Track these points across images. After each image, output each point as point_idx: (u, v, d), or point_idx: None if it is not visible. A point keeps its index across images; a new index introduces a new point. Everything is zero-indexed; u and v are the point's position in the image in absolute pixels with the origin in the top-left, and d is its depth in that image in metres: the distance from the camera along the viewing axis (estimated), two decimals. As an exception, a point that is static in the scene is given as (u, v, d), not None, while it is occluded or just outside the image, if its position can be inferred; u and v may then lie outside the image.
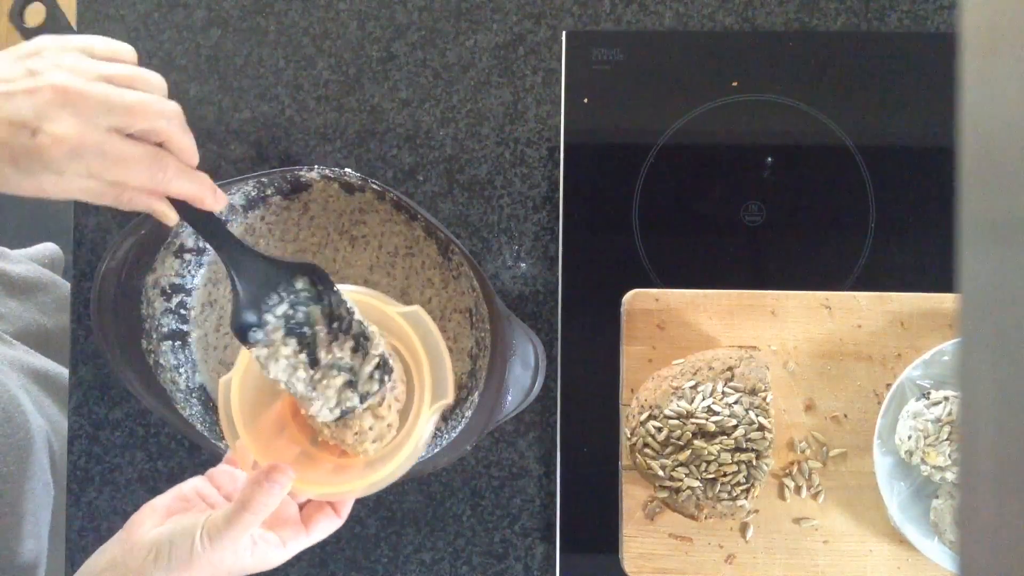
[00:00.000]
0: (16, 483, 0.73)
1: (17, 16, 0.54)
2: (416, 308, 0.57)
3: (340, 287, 0.56)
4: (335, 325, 0.55)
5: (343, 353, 0.56)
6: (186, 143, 0.51)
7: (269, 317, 0.55)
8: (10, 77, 0.47)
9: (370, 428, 0.58)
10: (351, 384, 0.56)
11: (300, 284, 0.55)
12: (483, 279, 0.63)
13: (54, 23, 0.54)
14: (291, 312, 0.55)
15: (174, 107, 0.50)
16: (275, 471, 0.54)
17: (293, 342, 0.55)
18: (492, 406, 0.62)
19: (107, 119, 0.47)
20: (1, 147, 0.47)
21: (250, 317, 0.54)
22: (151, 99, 0.49)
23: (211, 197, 0.52)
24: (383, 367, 0.56)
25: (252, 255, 0.54)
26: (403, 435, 0.58)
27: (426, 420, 0.56)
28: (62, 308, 0.91)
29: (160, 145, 0.50)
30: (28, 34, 0.52)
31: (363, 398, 0.56)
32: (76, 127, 0.46)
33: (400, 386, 0.58)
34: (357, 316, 0.56)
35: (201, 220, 0.53)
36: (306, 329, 0.55)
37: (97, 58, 0.49)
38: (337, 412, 0.56)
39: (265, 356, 0.55)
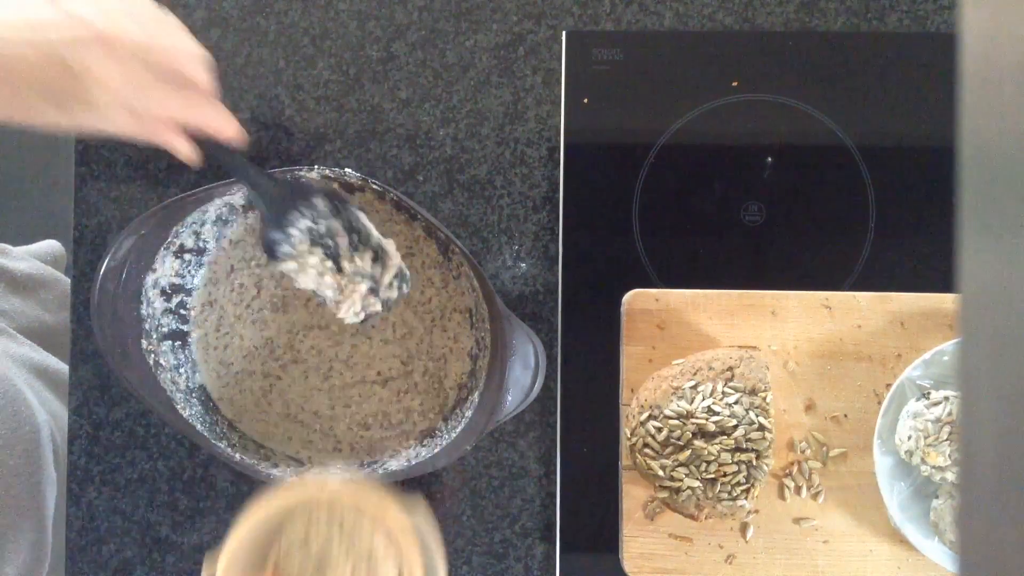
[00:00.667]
0: (24, 477, 0.73)
1: None
2: (417, 502, 0.58)
3: (340, 476, 0.62)
4: (355, 237, 0.60)
5: (364, 263, 0.61)
6: (210, 82, 0.55)
7: (294, 231, 0.59)
8: (36, 9, 0.48)
9: None
10: (374, 291, 0.60)
11: (318, 201, 0.60)
12: (483, 279, 0.63)
13: None
14: (313, 225, 0.60)
15: (201, 51, 0.54)
16: None
17: (319, 251, 0.60)
18: (492, 406, 0.62)
19: (144, 60, 0.50)
20: (42, 85, 0.48)
21: (276, 235, 0.59)
22: (182, 43, 0.52)
23: (233, 127, 0.56)
24: (401, 276, 0.61)
25: (272, 179, 0.59)
26: None
27: None
28: (64, 305, 0.92)
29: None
30: None
31: (385, 304, 0.60)
32: (119, 70, 0.48)
33: None
34: (374, 231, 0.60)
35: (221, 152, 0.58)
36: (329, 240, 0.60)
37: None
38: (362, 315, 0.61)
39: (295, 269, 0.60)
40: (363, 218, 0.60)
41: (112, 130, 0.52)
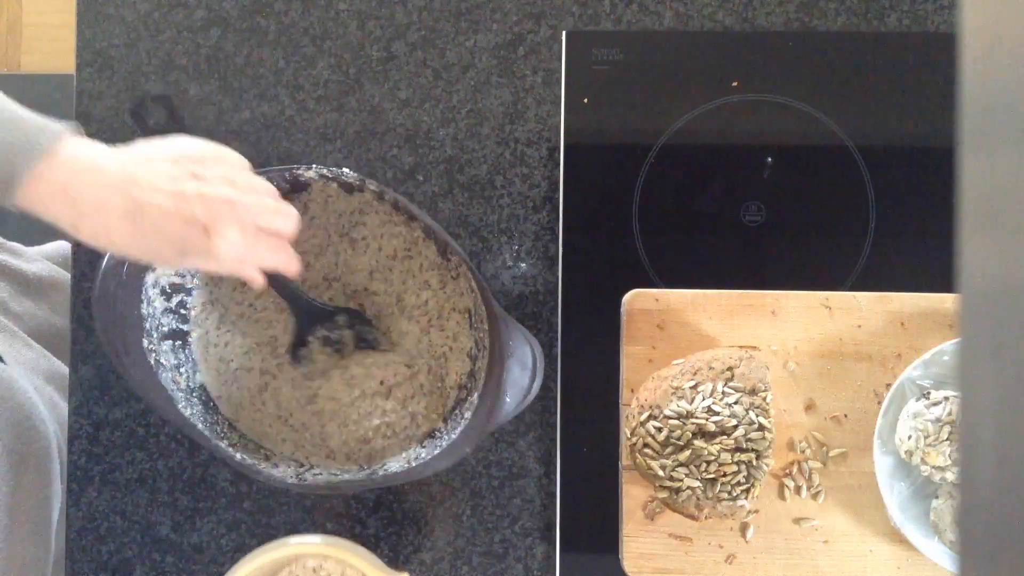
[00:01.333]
0: (32, 492, 0.73)
1: (137, 113, 0.64)
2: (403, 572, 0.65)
3: (333, 542, 0.66)
4: (362, 344, 0.71)
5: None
6: (294, 232, 0.62)
7: (312, 339, 0.70)
8: (177, 178, 0.56)
9: None
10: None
11: (339, 319, 0.70)
12: (480, 281, 0.63)
13: (173, 124, 0.63)
14: (327, 334, 0.70)
15: (292, 209, 0.61)
16: None
17: (327, 349, 0.70)
18: (490, 408, 0.62)
19: (256, 222, 0.58)
20: (176, 241, 0.56)
21: (298, 343, 0.70)
22: (282, 206, 0.60)
23: (296, 266, 0.62)
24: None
25: (313, 304, 0.69)
26: None
27: None
28: None
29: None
30: (147, 131, 0.61)
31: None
32: (241, 233, 0.56)
33: None
34: (383, 343, 0.70)
35: (283, 282, 0.66)
36: (338, 345, 0.70)
37: (228, 164, 0.59)
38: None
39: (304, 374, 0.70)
40: (376, 332, 0.71)
41: (218, 271, 0.63)
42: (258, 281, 0.61)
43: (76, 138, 0.56)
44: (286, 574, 0.66)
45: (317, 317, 0.69)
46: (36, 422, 0.75)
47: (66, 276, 0.95)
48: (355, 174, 0.65)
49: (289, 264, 0.62)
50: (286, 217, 0.61)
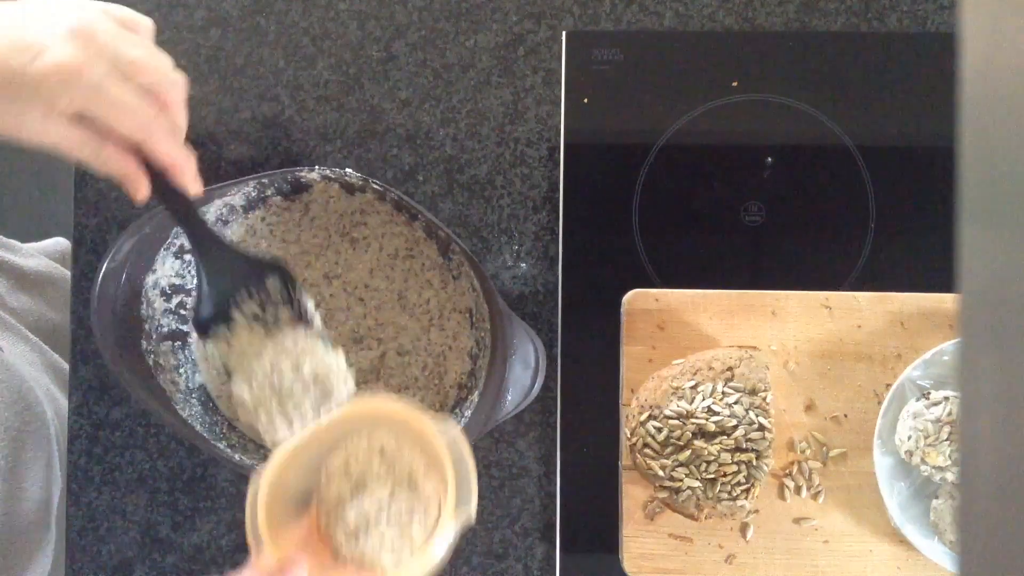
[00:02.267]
0: (32, 471, 0.73)
1: None
2: (448, 422, 0.57)
3: (375, 399, 0.57)
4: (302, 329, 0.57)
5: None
6: (182, 116, 0.50)
7: (237, 315, 0.55)
8: (32, 13, 0.46)
9: (392, 543, 0.57)
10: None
11: (271, 283, 0.56)
12: (484, 278, 0.63)
13: None
14: (259, 312, 0.56)
15: (181, 77, 0.50)
16: (290, 564, 0.52)
17: (255, 324, 0.55)
18: (492, 406, 0.62)
19: (114, 60, 0.46)
20: None
21: (211, 310, 0.54)
22: (163, 61, 0.49)
23: (190, 173, 0.50)
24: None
25: (224, 247, 0.53)
26: (422, 547, 0.57)
27: (448, 532, 0.55)
28: (69, 303, 0.92)
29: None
30: None
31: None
32: (80, 56, 0.45)
33: (433, 508, 0.57)
34: (319, 322, 0.56)
35: (174, 200, 0.51)
36: (265, 320, 0.56)
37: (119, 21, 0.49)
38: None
39: (225, 352, 0.55)
40: (311, 306, 0.56)
41: (57, 142, 0.47)
42: (134, 184, 0.49)
43: None
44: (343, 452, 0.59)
45: (236, 272, 0.55)
46: (32, 403, 0.75)
47: (62, 272, 0.95)
48: (358, 174, 0.65)
49: (181, 163, 0.50)
50: (168, 78, 0.48)
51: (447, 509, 0.55)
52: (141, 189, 0.50)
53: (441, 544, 0.55)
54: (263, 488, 0.56)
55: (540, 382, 0.66)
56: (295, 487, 0.56)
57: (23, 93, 0.45)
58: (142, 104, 0.48)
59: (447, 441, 0.56)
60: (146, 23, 0.51)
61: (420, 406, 0.59)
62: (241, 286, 0.54)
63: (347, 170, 0.66)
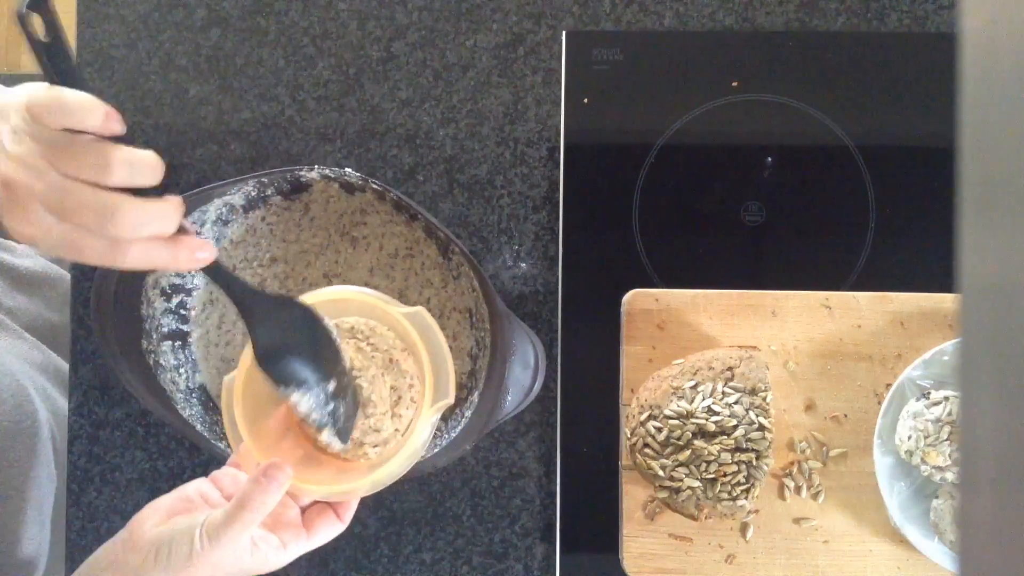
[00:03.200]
0: (23, 469, 0.73)
1: (20, 23, 0.47)
2: (419, 309, 0.59)
3: (344, 287, 0.59)
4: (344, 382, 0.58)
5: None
6: (138, 160, 0.48)
7: (301, 398, 0.56)
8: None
9: (376, 431, 0.59)
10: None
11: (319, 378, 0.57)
12: (483, 278, 0.63)
13: (56, 37, 0.47)
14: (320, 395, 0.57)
15: (127, 175, 0.48)
16: (273, 468, 0.54)
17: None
18: (492, 406, 0.62)
19: (48, 202, 0.46)
20: None
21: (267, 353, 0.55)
22: (99, 169, 0.46)
23: (186, 256, 0.49)
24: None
25: (260, 296, 0.54)
26: (404, 435, 0.59)
27: (427, 420, 0.57)
28: (67, 303, 0.92)
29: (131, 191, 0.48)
30: (35, 46, 0.47)
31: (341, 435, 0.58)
32: (25, 175, 0.45)
33: (418, 384, 0.59)
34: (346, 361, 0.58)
35: (211, 268, 0.52)
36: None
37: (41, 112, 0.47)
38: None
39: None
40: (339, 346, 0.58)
41: (55, 250, 0.48)
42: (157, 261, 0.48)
43: None
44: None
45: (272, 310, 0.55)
46: (23, 401, 0.75)
47: (59, 271, 0.95)
48: (358, 174, 0.65)
49: (161, 258, 0.48)
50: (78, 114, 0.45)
51: (426, 395, 0.57)
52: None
53: (422, 431, 0.57)
54: (237, 385, 0.56)
55: (540, 382, 0.66)
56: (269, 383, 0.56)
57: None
58: (98, 200, 0.47)
59: (419, 328, 0.57)
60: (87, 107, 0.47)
61: (388, 296, 0.59)
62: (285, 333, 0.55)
63: (347, 170, 0.66)
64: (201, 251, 0.50)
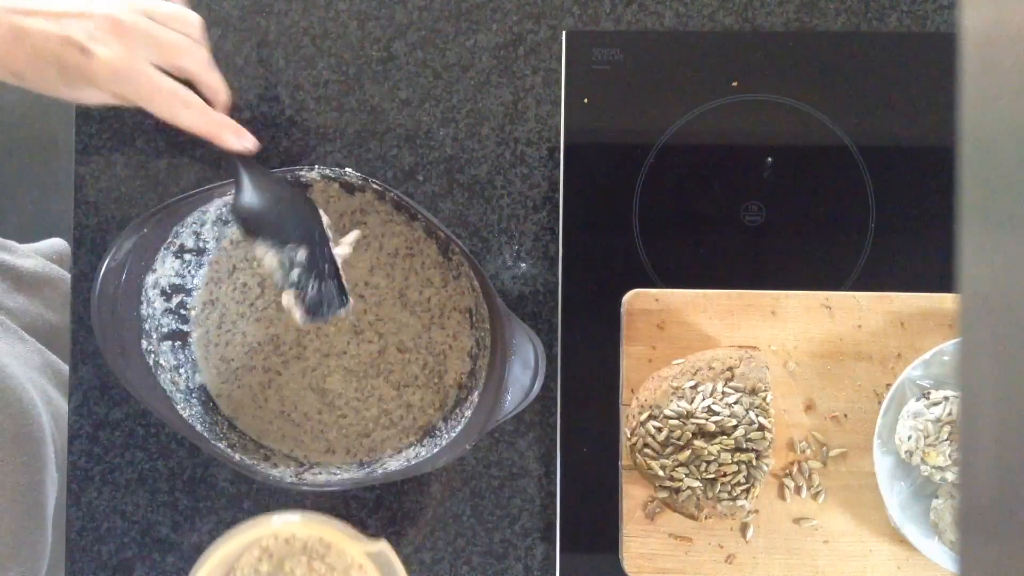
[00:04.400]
0: (28, 473, 0.73)
1: None
2: (383, 547, 0.61)
3: (310, 517, 0.64)
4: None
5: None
6: (213, 81, 0.60)
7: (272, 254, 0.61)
8: (70, 10, 0.55)
9: None
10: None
11: (301, 250, 0.61)
12: (483, 278, 0.63)
13: None
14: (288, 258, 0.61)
15: (203, 51, 0.60)
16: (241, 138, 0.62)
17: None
18: (492, 406, 0.62)
19: (146, 51, 0.56)
20: (53, 60, 0.55)
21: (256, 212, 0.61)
22: (185, 40, 0.58)
23: (231, 138, 0.60)
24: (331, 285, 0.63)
25: (271, 179, 0.62)
26: None
27: None
28: (67, 303, 0.92)
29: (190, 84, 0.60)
30: None
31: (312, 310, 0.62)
32: (120, 53, 0.55)
33: None
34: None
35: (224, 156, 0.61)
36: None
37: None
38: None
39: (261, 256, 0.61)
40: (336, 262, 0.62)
41: (111, 103, 0.60)
42: (180, 122, 0.58)
43: None
44: (257, 550, 0.64)
45: (283, 218, 0.61)
46: (27, 405, 0.75)
47: (60, 272, 0.95)
48: (358, 174, 0.65)
49: (208, 130, 0.59)
50: (186, 55, 0.58)
51: None
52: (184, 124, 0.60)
53: None
54: None
55: (540, 382, 0.66)
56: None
57: (78, 80, 0.56)
58: (171, 89, 0.58)
59: (382, 568, 0.61)
60: (168, 6, 0.60)
61: (354, 532, 0.63)
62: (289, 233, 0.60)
63: (347, 169, 0.66)
64: (243, 137, 0.61)
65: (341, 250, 0.63)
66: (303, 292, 0.60)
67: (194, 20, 0.61)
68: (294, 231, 0.60)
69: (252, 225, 0.60)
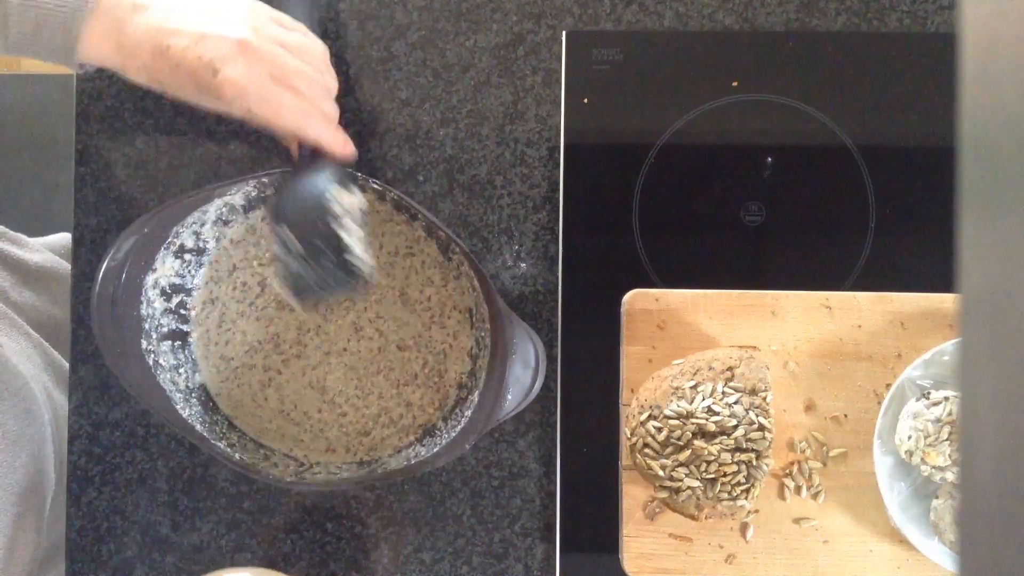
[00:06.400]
0: (27, 474, 0.73)
1: None
2: None
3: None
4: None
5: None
6: (327, 108, 0.65)
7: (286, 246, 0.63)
8: (208, 21, 0.62)
9: None
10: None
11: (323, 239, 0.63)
12: (483, 277, 0.63)
13: None
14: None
15: (323, 79, 0.65)
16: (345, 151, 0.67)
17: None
18: (492, 406, 0.62)
19: (271, 72, 0.62)
20: (190, 75, 0.61)
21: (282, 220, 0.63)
22: (309, 70, 0.64)
23: (341, 148, 0.65)
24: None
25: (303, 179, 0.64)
26: None
27: None
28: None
29: None
30: None
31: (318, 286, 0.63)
32: (245, 74, 0.61)
33: None
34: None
35: (320, 159, 0.65)
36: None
37: (282, 26, 0.64)
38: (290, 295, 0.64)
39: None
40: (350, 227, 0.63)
41: (242, 117, 0.64)
42: (292, 145, 0.64)
43: None
44: None
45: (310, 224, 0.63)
46: (31, 405, 0.75)
47: (67, 267, 0.95)
48: (358, 174, 0.65)
49: (330, 140, 0.64)
50: (309, 84, 0.63)
51: None
52: (293, 150, 0.66)
53: None
54: None
55: (540, 382, 0.66)
56: None
57: (210, 96, 0.62)
58: (297, 105, 0.63)
59: None
60: (297, 36, 0.65)
61: None
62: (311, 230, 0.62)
63: (347, 170, 0.66)
64: (348, 146, 0.67)
65: (354, 201, 0.64)
66: (295, 280, 0.62)
67: (318, 51, 0.66)
68: (300, 225, 0.63)
69: (285, 215, 0.63)
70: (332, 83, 0.67)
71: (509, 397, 0.62)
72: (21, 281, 0.90)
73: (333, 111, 0.66)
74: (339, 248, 0.61)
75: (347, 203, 0.63)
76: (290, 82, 0.63)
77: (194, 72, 0.61)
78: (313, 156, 0.65)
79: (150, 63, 0.62)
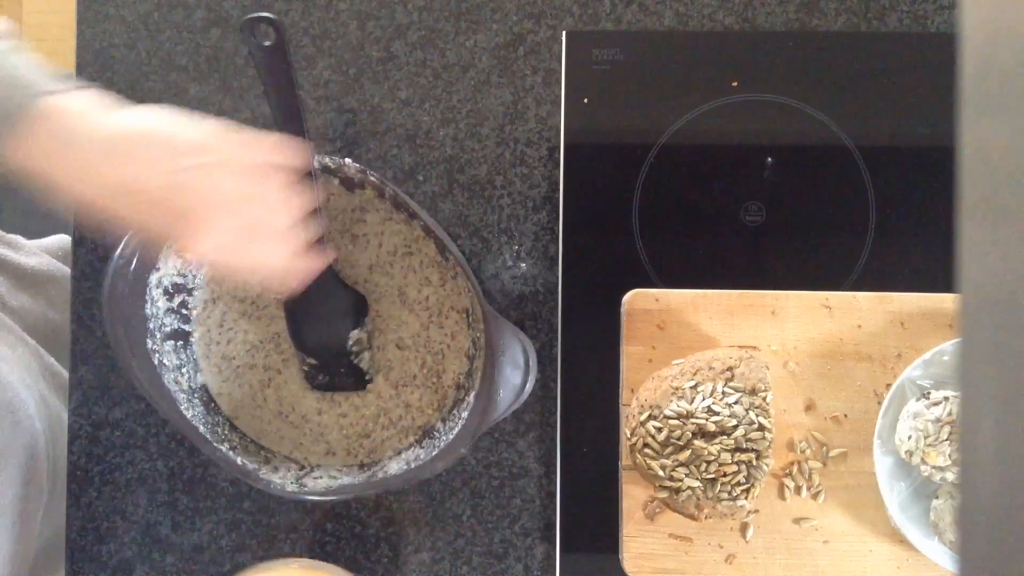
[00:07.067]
0: (16, 488, 0.72)
1: (249, 33, 0.58)
2: None
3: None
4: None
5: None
6: (302, 239, 0.59)
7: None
8: (171, 168, 0.54)
9: None
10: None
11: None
12: (471, 278, 0.63)
13: (279, 47, 0.59)
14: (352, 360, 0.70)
15: (292, 217, 0.58)
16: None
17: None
18: (485, 408, 0.62)
19: (253, 220, 0.57)
20: (159, 224, 0.55)
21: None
22: (290, 201, 0.58)
23: (323, 264, 0.63)
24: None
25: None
26: None
27: None
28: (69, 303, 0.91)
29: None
30: (258, 51, 0.59)
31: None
32: (225, 232, 0.55)
33: None
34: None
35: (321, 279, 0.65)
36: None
37: (239, 149, 0.57)
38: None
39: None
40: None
41: (210, 256, 0.58)
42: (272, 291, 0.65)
43: (60, 97, 0.54)
44: None
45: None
46: (21, 417, 0.74)
47: (65, 271, 0.94)
48: (357, 165, 0.65)
49: (305, 275, 0.62)
50: (289, 213, 0.57)
51: None
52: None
53: None
54: None
55: (531, 382, 0.66)
56: None
57: (184, 227, 0.56)
58: (276, 255, 0.59)
59: None
60: (257, 145, 0.59)
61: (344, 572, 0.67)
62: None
63: (346, 160, 0.66)
64: (330, 256, 0.64)
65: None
66: (310, 373, 0.70)
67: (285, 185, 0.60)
68: (310, 333, 0.69)
69: (304, 346, 0.69)
70: (304, 204, 0.59)
71: (500, 398, 0.62)
72: (17, 286, 0.89)
73: (311, 232, 0.60)
74: (350, 361, 0.69)
75: (355, 336, 0.68)
76: (259, 240, 0.57)
77: (165, 223, 0.55)
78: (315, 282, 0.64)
79: (103, 198, 0.55)
